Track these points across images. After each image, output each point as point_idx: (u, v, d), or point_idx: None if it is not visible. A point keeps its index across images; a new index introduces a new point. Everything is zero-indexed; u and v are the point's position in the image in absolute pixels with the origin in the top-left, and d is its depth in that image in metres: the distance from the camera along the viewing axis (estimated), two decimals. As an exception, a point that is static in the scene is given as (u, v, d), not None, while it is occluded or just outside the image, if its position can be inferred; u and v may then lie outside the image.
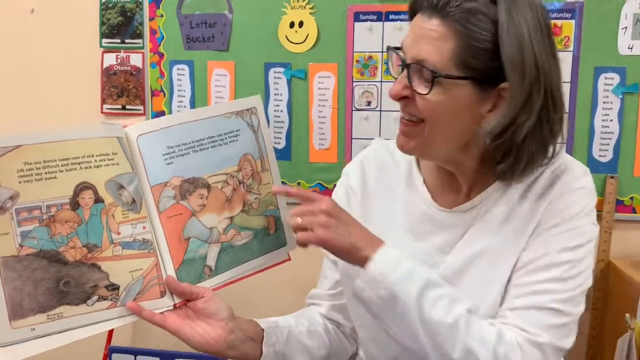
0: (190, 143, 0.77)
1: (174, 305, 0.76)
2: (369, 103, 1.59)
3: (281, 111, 1.65)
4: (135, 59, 1.81)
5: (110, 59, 1.84)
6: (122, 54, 1.81)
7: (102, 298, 0.71)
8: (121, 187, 0.73)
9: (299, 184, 1.67)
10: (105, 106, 1.85)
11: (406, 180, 0.88)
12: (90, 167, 0.71)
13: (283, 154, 1.65)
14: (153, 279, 0.74)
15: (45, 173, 0.69)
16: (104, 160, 0.72)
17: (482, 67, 0.73)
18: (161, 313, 0.75)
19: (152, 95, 1.77)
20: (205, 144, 0.78)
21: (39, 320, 0.67)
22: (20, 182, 0.67)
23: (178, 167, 0.76)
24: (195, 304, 0.76)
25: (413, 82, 0.75)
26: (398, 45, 0.80)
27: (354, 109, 1.61)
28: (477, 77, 0.73)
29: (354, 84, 1.60)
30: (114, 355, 1.66)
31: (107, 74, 1.85)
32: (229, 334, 0.76)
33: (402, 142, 0.80)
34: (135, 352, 1.65)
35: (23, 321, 0.66)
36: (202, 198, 0.77)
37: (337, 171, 1.55)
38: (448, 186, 0.84)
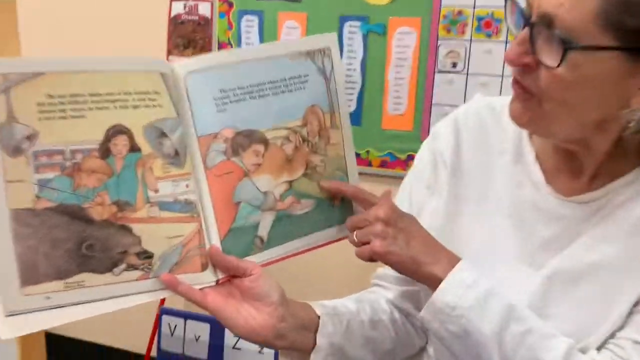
0: (247, 87, 0.66)
1: (217, 282, 0.65)
2: (454, 65, 1.43)
3: (354, 70, 1.51)
4: (204, 8, 1.70)
5: (179, 7, 1.73)
6: (191, 2, 1.70)
7: (131, 267, 0.61)
8: (162, 134, 0.62)
9: (368, 152, 1.55)
10: (170, 57, 1.76)
11: (513, 152, 0.72)
12: (127, 107, 0.60)
13: (353, 118, 1.54)
14: (194, 249, 0.64)
15: (72, 110, 0.57)
16: (144, 100, 0.60)
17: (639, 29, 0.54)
18: (201, 289, 0.64)
19: (219, 47, 1.67)
20: (266, 89, 0.67)
21: (56, 288, 0.57)
22: (40, 119, 0.56)
23: (232, 115, 0.66)
24: (242, 282, 0.65)
25: (537, 48, 0.58)
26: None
27: (436, 70, 1.45)
28: (630, 45, 0.55)
29: (439, 42, 1.45)
30: (164, 317, 1.60)
31: (175, 23, 1.74)
32: (278, 322, 0.64)
33: (517, 111, 0.63)
34: (186, 315, 1.59)
35: (37, 287, 0.56)
36: (257, 156, 0.67)
37: (411, 140, 1.45)
38: (565, 167, 0.68)
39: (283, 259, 0.70)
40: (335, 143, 0.72)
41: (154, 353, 1.65)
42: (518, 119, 0.64)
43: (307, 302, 0.72)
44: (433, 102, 1.45)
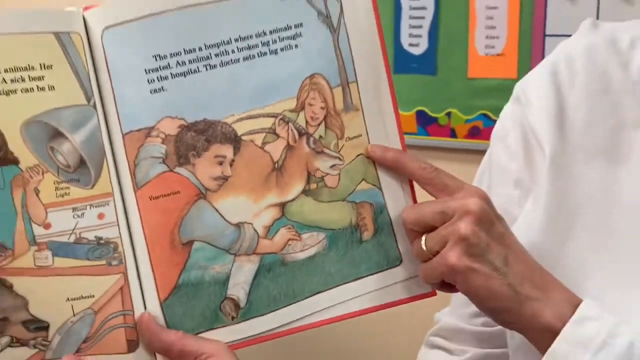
0: (201, 49, 0.57)
1: None
2: (578, -29, 1.26)
3: (421, -12, 1.35)
4: None
5: None
6: None
7: (17, 342, 0.55)
8: (57, 134, 0.55)
9: (449, 115, 1.36)
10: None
11: None
12: None
13: (423, 64, 1.35)
14: (114, 317, 0.57)
15: None
16: (22, 80, 0.53)
17: None
18: None
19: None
20: (233, 51, 0.58)
21: None
22: None
23: (175, 97, 0.57)
24: None
25: None
26: None
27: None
28: None
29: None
30: None
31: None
32: None
33: None
34: None
35: None
36: (222, 164, 0.60)
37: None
38: None
39: (276, 335, 0.61)
40: (355, 136, 0.62)
41: None
42: None
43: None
44: (546, 32, 1.26)
